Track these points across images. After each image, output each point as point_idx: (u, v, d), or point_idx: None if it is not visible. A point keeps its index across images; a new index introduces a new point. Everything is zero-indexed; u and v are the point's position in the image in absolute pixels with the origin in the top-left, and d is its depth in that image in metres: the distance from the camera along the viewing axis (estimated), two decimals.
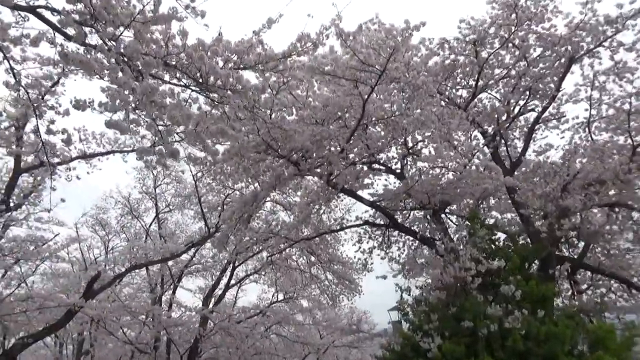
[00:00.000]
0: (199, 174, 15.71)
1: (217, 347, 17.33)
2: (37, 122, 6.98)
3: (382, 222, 10.78)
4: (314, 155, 7.52)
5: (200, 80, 4.24)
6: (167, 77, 4.37)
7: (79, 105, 4.09)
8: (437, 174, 10.47)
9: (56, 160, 12.11)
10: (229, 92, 4.37)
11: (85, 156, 12.24)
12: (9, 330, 12.72)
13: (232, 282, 18.32)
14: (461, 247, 7.33)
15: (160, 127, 3.76)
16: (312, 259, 16.09)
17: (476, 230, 7.67)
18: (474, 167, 9.77)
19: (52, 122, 6.92)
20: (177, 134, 3.77)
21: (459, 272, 6.75)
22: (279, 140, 6.49)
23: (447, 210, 11.12)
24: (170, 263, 18.59)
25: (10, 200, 11.94)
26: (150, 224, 20.25)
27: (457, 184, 9.68)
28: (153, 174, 19.79)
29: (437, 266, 6.83)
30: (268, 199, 16.89)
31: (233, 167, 7.23)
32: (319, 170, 8.22)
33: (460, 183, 9.71)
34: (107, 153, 12.43)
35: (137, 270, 21.33)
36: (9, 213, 11.94)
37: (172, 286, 18.14)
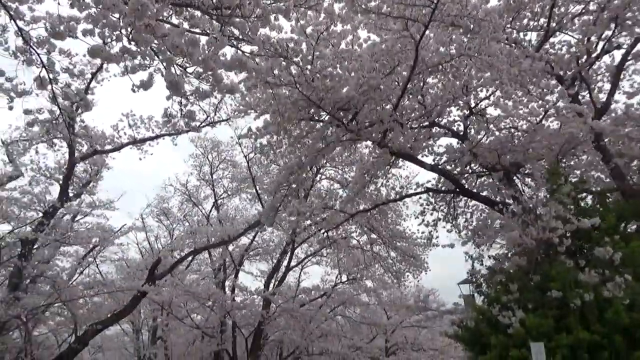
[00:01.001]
0: (251, 155, 15.32)
1: (282, 330, 17.02)
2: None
3: (446, 189, 9.73)
4: (363, 111, 6.63)
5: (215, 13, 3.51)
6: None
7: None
8: (507, 136, 9.26)
9: (108, 147, 12.06)
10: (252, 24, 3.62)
11: (135, 142, 12.10)
12: (79, 318, 12.97)
13: (293, 263, 17.88)
14: (540, 208, 6.19)
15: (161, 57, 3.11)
16: (373, 236, 15.24)
17: (559, 187, 6.48)
18: (550, 119, 8.49)
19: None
20: (179, 66, 3.09)
21: (543, 234, 5.66)
22: (321, 91, 5.67)
23: (519, 174, 9.86)
24: (231, 248, 18.47)
25: (69, 190, 12.07)
26: (210, 211, 20.26)
27: (531, 139, 8.43)
28: (209, 159, 19.74)
29: (515, 228, 5.78)
30: (323, 176, 16.26)
31: (274, 130, 6.52)
32: (370, 130, 7.33)
33: (535, 139, 8.46)
34: (157, 137, 12.21)
35: (200, 257, 21.59)
36: (69, 202, 12.07)
37: (234, 270, 18.00)
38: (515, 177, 9.37)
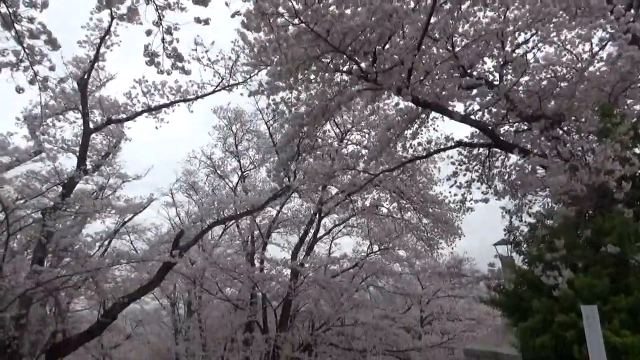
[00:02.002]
0: (271, 122, 14.65)
1: (313, 301, 16.57)
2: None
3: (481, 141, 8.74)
4: (382, 55, 5.72)
5: None
6: None
7: None
8: (549, 80, 8.13)
9: (122, 116, 11.61)
10: None
11: (150, 109, 11.58)
12: (106, 292, 12.87)
13: (321, 233, 17.29)
14: (593, 148, 5.19)
15: None
16: (403, 202, 14.39)
17: (615, 126, 5.45)
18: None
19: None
20: None
21: (596, 177, 4.70)
22: (327, 21, 4.79)
23: (562, 126, 8.73)
24: (258, 220, 18.08)
25: (87, 161, 11.75)
26: (237, 183, 19.83)
27: (579, 79, 7.31)
28: (232, 130, 19.21)
29: (561, 173, 4.84)
30: (349, 142, 15.41)
31: (279, 75, 5.71)
32: (390, 75, 6.42)
33: (583, 80, 7.34)
34: (172, 104, 11.64)
35: (229, 231, 21.36)
36: (88, 175, 11.77)
37: (262, 243, 17.60)
38: (559, 130, 8.28)
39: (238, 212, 14.30)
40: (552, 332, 4.95)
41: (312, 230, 16.29)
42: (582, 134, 5.90)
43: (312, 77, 5.71)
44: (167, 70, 6.72)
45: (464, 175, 10.30)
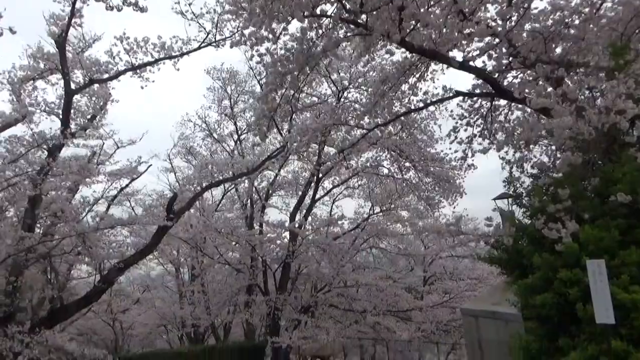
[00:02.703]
0: (264, 80, 13.97)
1: (314, 264, 16.36)
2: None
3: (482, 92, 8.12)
4: None
5: None
6: None
7: None
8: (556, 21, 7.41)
9: (105, 76, 11.04)
10: None
11: (134, 68, 10.98)
12: (99, 256, 12.63)
13: (320, 194, 16.90)
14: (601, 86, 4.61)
15: None
16: (403, 161, 13.88)
17: (628, 63, 4.85)
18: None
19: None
20: None
21: (606, 118, 4.15)
22: None
23: (570, 72, 8.05)
24: (257, 183, 17.72)
25: (70, 122, 11.28)
26: (234, 147, 19.37)
27: (587, 24, 6.62)
28: (227, 92, 18.57)
29: (566, 114, 4.29)
30: (347, 100, 14.76)
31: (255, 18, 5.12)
32: (380, 17, 5.80)
33: (591, 22, 6.65)
34: (156, 61, 11.02)
35: (228, 195, 21.05)
36: (73, 137, 11.31)
37: (261, 206, 17.28)
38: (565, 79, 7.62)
39: (234, 175, 13.90)
40: (554, 289, 4.53)
41: (310, 192, 15.87)
42: (591, 74, 5.29)
43: (289, 17, 5.10)
44: (118, 6, 6.15)
45: (465, 130, 9.70)
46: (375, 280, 14.25)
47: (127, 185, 15.98)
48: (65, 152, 12.62)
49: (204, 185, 13.39)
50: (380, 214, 17.42)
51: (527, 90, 7.70)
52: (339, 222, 15.37)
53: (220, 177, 13.77)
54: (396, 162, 14.54)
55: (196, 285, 20.97)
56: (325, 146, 14.77)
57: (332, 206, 19.62)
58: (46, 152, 11.25)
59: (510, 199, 6.28)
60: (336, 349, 16.70)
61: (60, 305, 13.34)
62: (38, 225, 11.76)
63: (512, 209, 5.91)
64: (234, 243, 16.65)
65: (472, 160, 9.82)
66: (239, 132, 18.85)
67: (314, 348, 16.07)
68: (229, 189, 21.57)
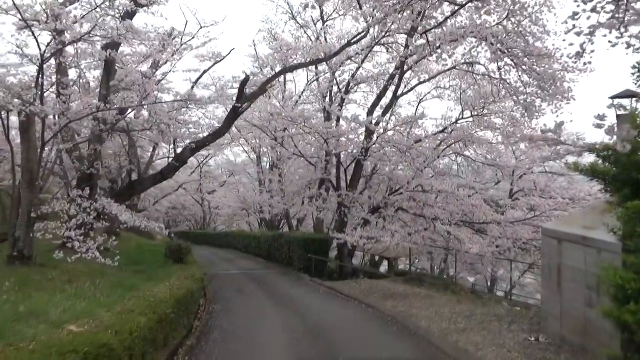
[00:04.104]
0: None
1: (390, 164, 15.42)
2: None
3: None
4: None
5: None
6: None
7: None
8: None
9: None
10: None
11: None
12: (174, 136, 12.78)
13: (403, 90, 15.39)
14: None
15: None
16: (503, 55, 11.76)
17: None
18: None
19: None
20: None
21: None
22: None
23: None
24: (338, 74, 16.57)
25: None
26: (319, 33, 17.97)
27: None
28: None
29: None
30: None
31: None
32: None
33: None
34: None
35: (311, 86, 20.21)
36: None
37: (340, 99, 16.24)
38: None
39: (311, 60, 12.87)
40: None
41: (393, 88, 14.42)
42: None
43: None
44: None
45: (588, 18, 7.66)
46: (453, 188, 13.04)
47: (210, 68, 15.62)
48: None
49: (277, 69, 12.60)
50: (471, 119, 15.60)
51: None
52: (420, 122, 13.91)
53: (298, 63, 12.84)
54: (496, 58, 12.43)
55: (274, 174, 21.32)
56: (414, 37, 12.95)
57: (417, 106, 18.18)
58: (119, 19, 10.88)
59: (635, 99, 4.69)
60: (401, 253, 16.29)
61: (138, 177, 14.01)
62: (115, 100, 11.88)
63: (636, 110, 4.38)
64: (310, 137, 16.10)
65: (591, 57, 7.87)
66: (324, 17, 17.35)
67: (378, 249, 15.75)
68: (312, 80, 20.71)
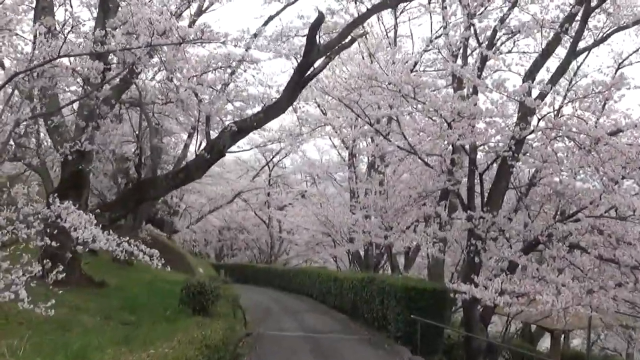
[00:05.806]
0: None
1: (562, 166, 13.80)
2: None
3: None
4: None
5: None
6: None
7: None
8: None
9: None
10: None
11: None
12: (200, 108, 12.46)
13: (587, 43, 13.58)
14: None
15: None
16: None
17: None
18: None
19: None
20: None
21: None
22: None
23: None
24: (477, 20, 15.45)
25: None
26: None
27: None
28: None
29: None
30: None
31: None
32: None
33: None
34: None
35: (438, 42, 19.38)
36: None
37: (479, 57, 15.03)
38: None
39: None
40: None
41: (566, 37, 12.95)
42: None
43: None
44: None
45: None
46: None
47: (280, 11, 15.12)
48: None
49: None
50: None
51: None
52: (618, 96, 12.07)
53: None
54: None
55: (373, 180, 20.32)
56: None
57: (616, 73, 16.56)
58: None
59: None
60: (574, 322, 14.78)
61: (152, 175, 13.51)
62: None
63: None
64: (426, 119, 14.81)
65: None
66: None
67: (532, 313, 14.38)
68: (436, 34, 19.68)
